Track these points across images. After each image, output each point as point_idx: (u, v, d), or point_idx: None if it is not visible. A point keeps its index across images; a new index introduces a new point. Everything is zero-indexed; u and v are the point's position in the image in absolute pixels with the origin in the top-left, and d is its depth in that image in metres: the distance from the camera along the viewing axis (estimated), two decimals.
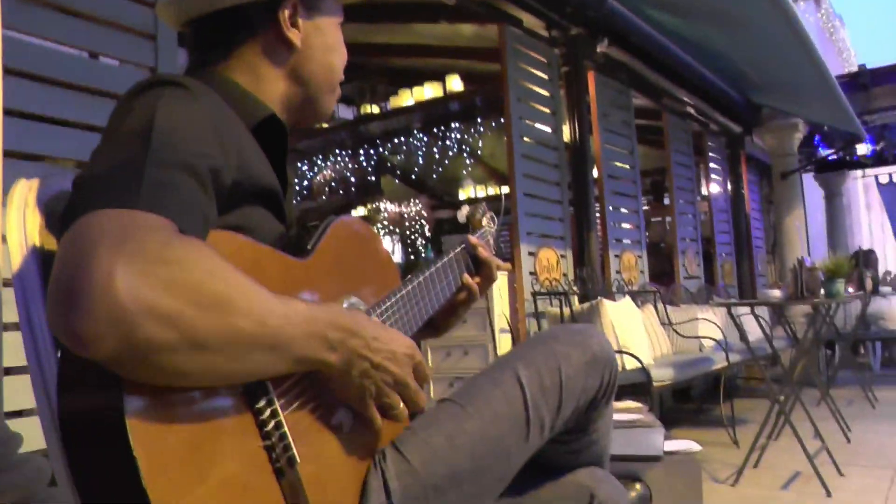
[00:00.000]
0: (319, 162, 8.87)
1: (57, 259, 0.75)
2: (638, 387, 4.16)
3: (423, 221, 8.75)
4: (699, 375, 4.97)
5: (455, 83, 7.29)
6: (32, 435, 1.92)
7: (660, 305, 5.94)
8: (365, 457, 1.06)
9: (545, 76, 5.54)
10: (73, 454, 0.75)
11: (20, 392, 2.02)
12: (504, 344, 4.58)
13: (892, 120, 10.16)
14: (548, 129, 5.51)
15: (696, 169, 8.52)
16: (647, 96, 7.07)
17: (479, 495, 1.14)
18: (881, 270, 9.42)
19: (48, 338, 0.95)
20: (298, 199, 8.99)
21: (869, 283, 7.13)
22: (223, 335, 0.77)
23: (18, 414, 2.04)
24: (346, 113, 8.16)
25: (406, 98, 7.55)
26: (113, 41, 2.64)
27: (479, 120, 7.67)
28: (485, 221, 1.61)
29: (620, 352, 4.37)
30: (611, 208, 6.21)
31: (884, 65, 9.81)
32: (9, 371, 2.04)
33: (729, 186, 9.06)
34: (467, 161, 8.42)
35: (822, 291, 4.41)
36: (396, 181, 9.21)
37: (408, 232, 8.78)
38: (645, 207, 8.32)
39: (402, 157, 8.62)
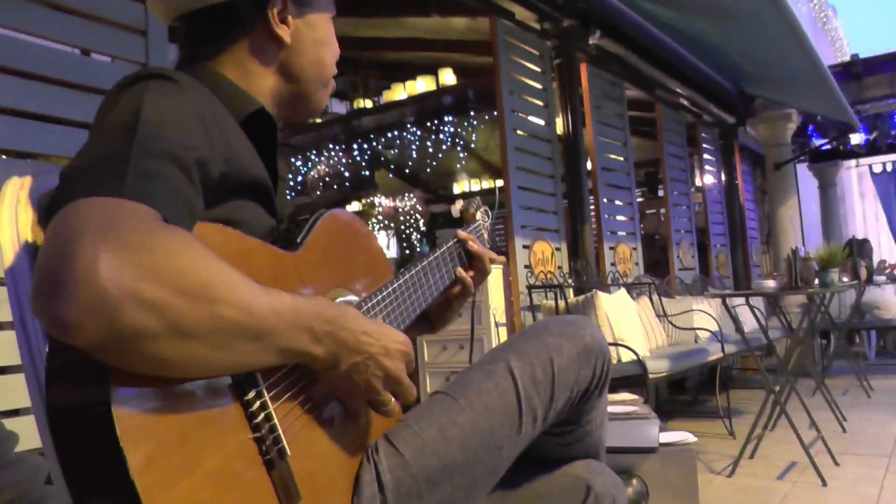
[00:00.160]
0: (313, 157, 8.85)
1: (41, 247, 0.74)
2: (633, 379, 4.17)
3: (417, 215, 8.75)
4: (694, 367, 4.98)
5: (448, 76, 7.28)
6: (28, 434, 1.92)
7: (655, 297, 5.95)
8: (357, 450, 1.06)
9: (537, 68, 5.53)
10: (61, 447, 0.74)
11: (15, 391, 2.02)
12: (499, 337, 4.58)
13: (885, 109, 10.18)
14: (541, 122, 5.51)
15: (690, 160, 8.53)
16: (640, 88, 7.07)
17: (472, 487, 1.14)
18: (875, 259, 9.45)
19: (42, 335, 0.95)
20: (292, 194, 8.98)
21: (863, 273, 7.15)
22: (207, 323, 0.76)
23: (14, 413, 2.04)
24: (339, 108, 8.15)
25: (399, 92, 7.54)
26: (104, 38, 2.63)
27: (472, 113, 7.66)
28: (479, 215, 1.61)
29: (616, 344, 4.38)
30: (605, 200, 6.21)
31: (876, 54, 9.82)
32: (4, 370, 2.04)
33: (723, 177, 9.06)
34: (461, 154, 8.41)
35: (817, 281, 4.42)
36: (390, 175, 9.20)
37: (402, 226, 8.78)
38: (639, 199, 8.32)
39: (396, 151, 8.62)
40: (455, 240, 1.46)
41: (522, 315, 4.83)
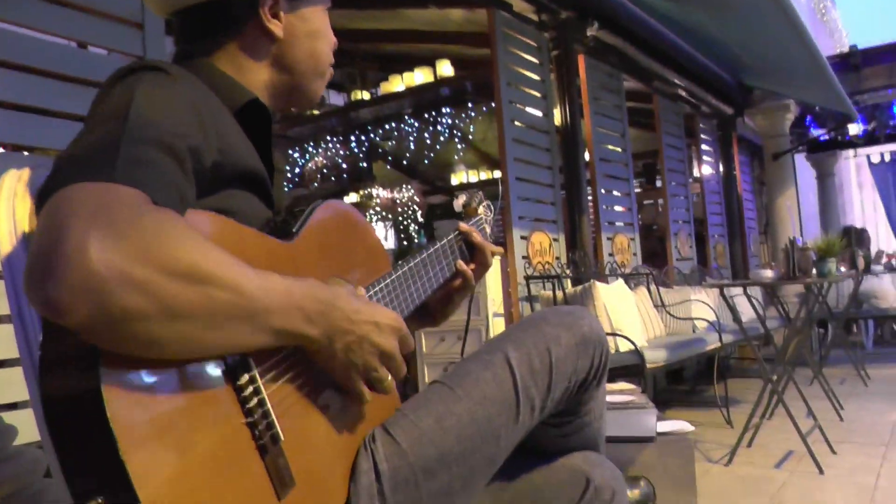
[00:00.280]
0: (311, 149, 8.84)
1: (35, 232, 0.76)
2: (631, 368, 4.18)
3: (415, 207, 8.74)
4: (692, 356, 4.99)
5: (445, 68, 7.27)
6: (27, 427, 1.92)
7: (653, 287, 5.96)
8: (354, 438, 1.06)
9: (535, 60, 5.53)
10: (55, 433, 0.74)
11: (13, 384, 2.02)
12: (497, 328, 4.59)
13: (883, 100, 10.18)
14: (539, 113, 5.51)
15: (688, 151, 8.53)
16: (638, 79, 7.07)
17: (469, 477, 1.14)
18: (873, 249, 9.46)
19: (39, 327, 0.95)
20: (290, 186, 8.97)
21: (861, 262, 7.16)
22: (197, 304, 0.77)
23: (13, 406, 2.04)
24: (336, 99, 8.15)
25: (396, 84, 7.53)
26: (101, 30, 2.62)
27: (469, 105, 7.66)
28: (481, 210, 1.61)
29: (614, 334, 4.39)
30: (603, 191, 6.21)
31: (875, 45, 9.82)
32: (2, 364, 2.04)
33: (721, 168, 9.07)
34: (459, 146, 8.41)
35: (814, 271, 4.42)
36: (388, 167, 9.18)
37: (400, 218, 8.77)
38: (637, 190, 8.33)
39: (394, 142, 8.60)
40: (456, 232, 1.46)
41: (520, 306, 4.84)
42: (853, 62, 9.77)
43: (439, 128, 7.92)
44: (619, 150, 6.62)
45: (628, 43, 6.32)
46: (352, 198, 9.05)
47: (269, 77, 1.22)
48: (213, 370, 0.85)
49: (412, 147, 8.30)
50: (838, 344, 7.13)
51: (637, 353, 4.20)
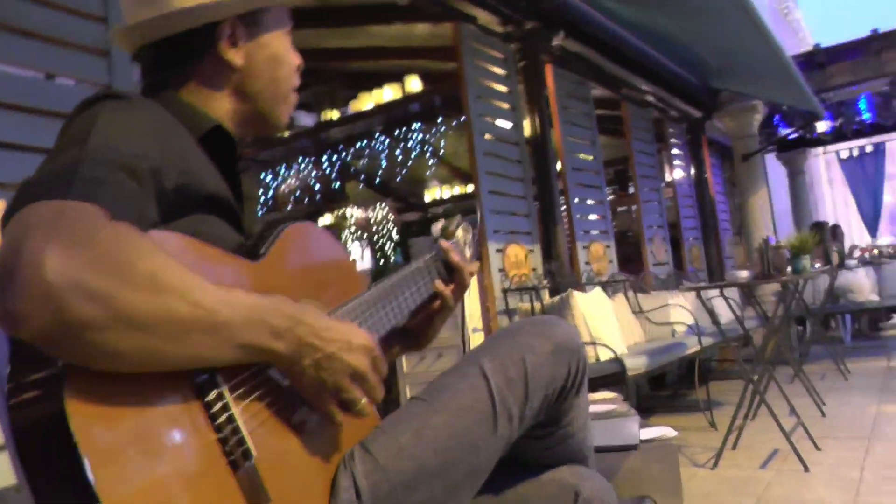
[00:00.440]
0: (283, 171, 8.80)
1: None
2: (612, 377, 4.18)
3: (390, 225, 8.72)
4: (673, 361, 5.00)
5: (414, 84, 7.27)
6: (3, 471, 1.88)
7: (630, 294, 5.98)
8: (331, 456, 1.06)
9: (502, 72, 5.54)
10: (23, 453, 0.74)
11: None
12: (476, 343, 4.57)
13: (848, 96, 10.30)
14: (508, 125, 5.52)
15: (659, 156, 8.58)
16: (606, 87, 7.10)
17: (452, 490, 1.13)
18: (847, 244, 9.56)
19: (5, 359, 0.94)
20: (264, 210, 8.92)
21: (835, 258, 7.24)
22: (154, 314, 0.78)
23: None
24: (306, 120, 8.10)
25: (366, 101, 7.51)
26: (68, 60, 2.61)
27: (439, 119, 7.65)
28: (459, 232, 1.60)
29: (593, 342, 4.39)
30: (576, 200, 6.23)
31: (838, 43, 9.94)
32: None
33: (692, 171, 9.13)
34: (430, 161, 8.39)
35: (789, 269, 4.46)
36: (361, 186, 9.15)
37: (376, 236, 8.74)
38: (610, 197, 8.37)
39: (366, 161, 8.58)
40: (433, 253, 1.45)
41: (499, 319, 4.83)
42: (818, 60, 9.87)
43: (410, 144, 7.90)
44: (590, 158, 6.64)
45: (595, 51, 6.35)
46: (326, 218, 9.01)
47: (232, 105, 1.23)
48: (180, 386, 0.84)
49: (384, 165, 8.27)
50: (817, 340, 7.19)
51: (617, 360, 4.20)
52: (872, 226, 13.96)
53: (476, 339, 4.53)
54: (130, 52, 1.24)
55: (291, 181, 8.97)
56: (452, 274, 1.46)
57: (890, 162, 14.62)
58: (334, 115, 7.85)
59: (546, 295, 4.98)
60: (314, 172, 8.76)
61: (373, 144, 8.08)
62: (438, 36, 6.22)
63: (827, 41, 9.97)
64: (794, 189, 12.44)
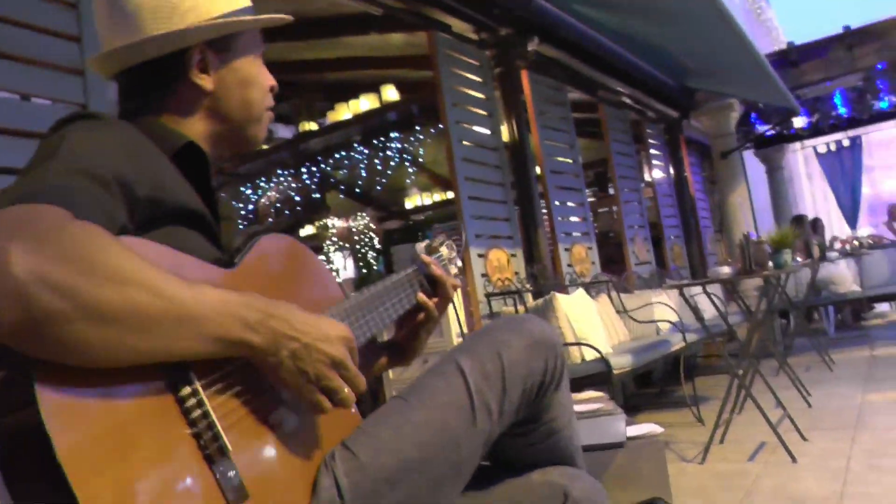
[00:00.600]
0: (263, 184, 8.80)
1: None
2: (598, 376, 4.19)
3: (371, 234, 8.72)
4: (658, 359, 5.02)
5: (391, 93, 7.29)
6: None
7: (613, 294, 5.99)
8: (312, 457, 1.06)
9: (479, 79, 5.56)
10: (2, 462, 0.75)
11: None
12: None
13: (823, 92, 10.39)
14: (486, 131, 5.54)
15: (638, 156, 8.63)
16: (583, 90, 7.14)
17: (434, 485, 1.14)
18: (828, 237, 9.62)
19: None
20: (245, 223, 8.91)
21: (816, 251, 7.29)
22: (118, 306, 0.79)
23: None
24: (284, 132, 8.12)
25: (343, 112, 7.53)
26: (43, 81, 2.60)
27: (417, 128, 7.67)
28: (443, 249, 1.61)
29: (578, 343, 4.40)
30: (557, 203, 6.24)
31: (810, 41, 10.03)
32: None
33: (671, 171, 9.18)
34: (410, 170, 8.41)
35: (771, 263, 4.48)
36: (341, 196, 9.16)
37: (358, 246, 8.74)
38: (590, 199, 8.40)
39: (345, 171, 8.59)
40: (416, 266, 1.46)
41: (483, 324, 4.84)
42: (791, 58, 9.96)
43: (389, 153, 7.92)
44: (569, 161, 6.66)
45: (570, 55, 6.39)
46: (307, 230, 9.01)
47: (206, 127, 1.25)
48: (153, 381, 0.85)
49: (364, 174, 8.29)
50: (801, 332, 7.23)
51: (603, 360, 4.21)
52: (852, 218, 14.07)
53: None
54: (108, 77, 1.27)
55: (272, 193, 8.97)
56: (435, 287, 1.48)
57: (867, 155, 14.75)
58: (312, 126, 7.86)
59: (529, 298, 4.99)
60: (294, 184, 8.77)
61: (352, 154, 8.10)
62: (414, 45, 6.25)
63: (800, 40, 10.06)
64: (774, 185, 12.52)
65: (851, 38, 9.61)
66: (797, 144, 13.31)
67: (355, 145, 8.01)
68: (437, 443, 1.14)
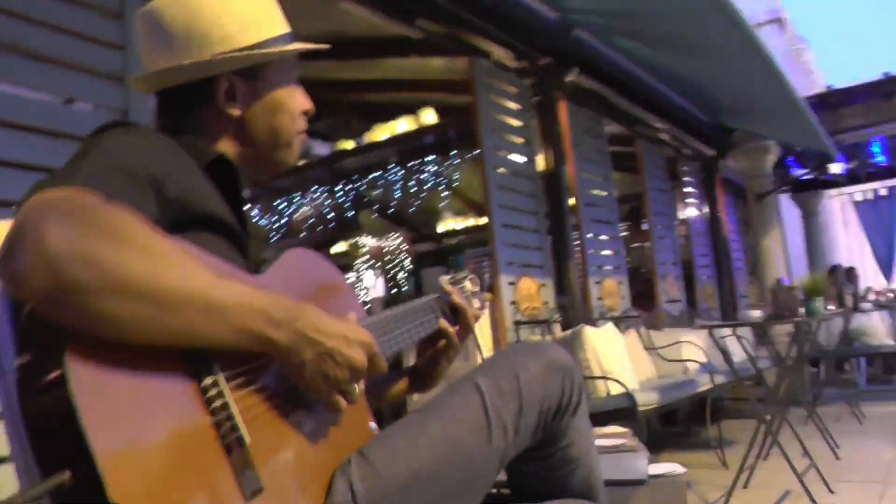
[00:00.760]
0: (297, 199, 8.87)
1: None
2: (623, 412, 4.14)
3: (403, 255, 8.74)
4: (684, 398, 4.95)
5: (428, 116, 7.32)
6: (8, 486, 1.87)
7: (643, 330, 5.94)
8: (328, 460, 1.08)
9: (517, 106, 5.57)
10: (25, 418, 0.79)
11: None
12: None
13: (862, 139, 10.30)
14: (522, 159, 5.54)
15: (672, 193, 8.58)
16: (620, 123, 7.12)
17: (445, 499, 1.15)
18: (862, 287, 9.49)
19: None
20: (277, 237, 8.97)
21: (849, 300, 7.18)
22: (147, 284, 0.82)
23: None
24: (321, 149, 8.17)
25: (380, 133, 7.57)
26: (86, 86, 2.66)
27: (453, 152, 7.70)
28: (467, 284, 1.64)
29: (605, 377, 4.36)
30: (589, 235, 6.21)
31: (851, 84, 9.96)
32: None
33: (705, 209, 9.12)
34: (444, 193, 8.43)
35: (802, 310, 4.42)
36: (375, 216, 9.20)
37: (389, 266, 8.77)
38: (624, 233, 8.35)
39: (380, 191, 8.63)
40: (439, 295, 1.49)
41: None
42: (831, 102, 9.89)
43: (424, 176, 7.95)
44: (603, 193, 6.64)
45: (608, 87, 6.39)
46: (339, 247, 9.05)
47: (234, 149, 1.28)
48: (177, 368, 0.88)
49: (398, 195, 8.32)
50: (831, 382, 7.12)
51: (628, 395, 4.16)
52: (887, 269, 13.89)
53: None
54: (149, 92, 1.32)
55: (306, 209, 9.03)
56: (457, 316, 1.50)
57: None
58: (349, 145, 7.91)
59: (557, 328, 4.95)
60: (328, 201, 8.82)
61: (387, 175, 8.14)
62: (453, 70, 6.26)
63: (838, 83, 10.00)
64: (809, 230, 12.40)
65: (891, 86, 9.53)
66: (834, 191, 13.20)
67: (391, 166, 8.05)
68: (452, 456, 1.15)
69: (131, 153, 1.02)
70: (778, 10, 14.83)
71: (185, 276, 0.86)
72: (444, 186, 8.30)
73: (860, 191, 13.29)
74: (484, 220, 5.67)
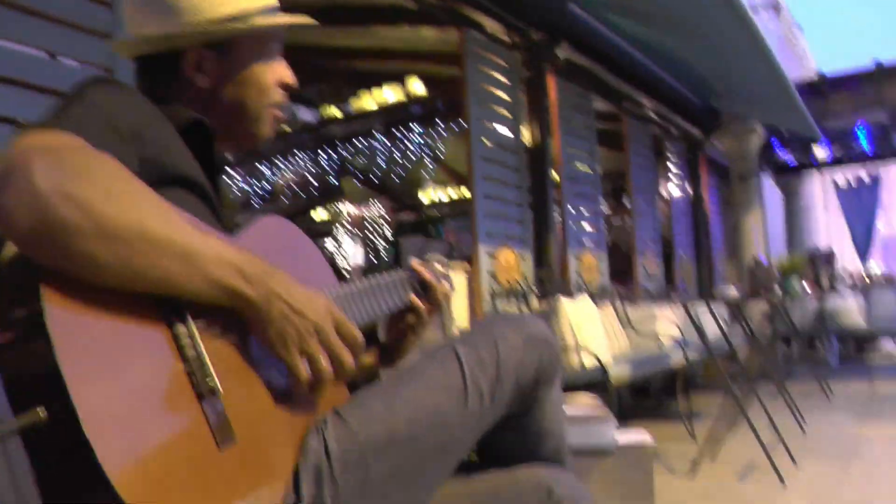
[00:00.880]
0: (280, 164, 8.82)
1: None
2: (596, 384, 4.20)
3: (384, 223, 8.73)
4: (657, 372, 5.02)
5: (416, 86, 7.31)
6: None
7: (618, 304, 6.00)
8: (301, 419, 1.07)
9: (505, 80, 5.58)
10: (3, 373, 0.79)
11: None
12: None
13: (848, 125, 10.36)
14: (508, 132, 5.56)
15: (656, 171, 8.62)
16: (608, 100, 7.14)
17: (420, 462, 1.15)
18: (839, 270, 9.59)
19: None
20: (260, 201, 8.93)
21: (826, 282, 7.28)
22: (130, 227, 0.84)
23: None
24: (307, 115, 8.14)
25: (367, 101, 7.55)
26: (71, 41, 2.64)
27: (439, 123, 7.68)
28: (437, 265, 1.62)
29: (578, 349, 4.41)
30: (571, 210, 6.26)
31: (840, 73, 10.00)
32: None
33: (688, 189, 9.17)
34: (428, 164, 8.41)
35: (778, 289, 4.50)
36: (358, 183, 9.17)
37: (369, 234, 8.75)
38: (605, 209, 8.39)
39: (364, 159, 8.59)
40: (409, 270, 1.48)
41: None
42: (820, 89, 9.94)
43: (409, 145, 7.93)
44: (587, 169, 6.67)
45: (599, 64, 6.41)
46: (321, 213, 9.01)
47: (210, 119, 1.27)
48: (151, 315, 0.88)
49: (382, 164, 8.29)
50: (803, 360, 7.22)
51: (602, 368, 4.22)
52: (864, 254, 14.01)
53: None
54: (128, 58, 1.32)
55: (289, 174, 8.99)
56: (427, 292, 1.50)
57: (885, 192, 14.68)
58: (335, 112, 7.88)
59: (535, 301, 5.01)
60: (312, 167, 8.78)
61: (372, 143, 8.11)
62: (444, 41, 6.25)
63: (830, 70, 10.04)
64: (789, 212, 12.49)
65: (881, 75, 9.59)
66: (816, 175, 13.27)
67: (376, 134, 8.02)
68: (428, 421, 1.15)
69: (114, 107, 1.03)
70: None
71: (166, 223, 0.88)
72: (428, 157, 8.28)
73: (843, 176, 13.36)
74: (466, 193, 5.70)
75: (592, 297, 5.42)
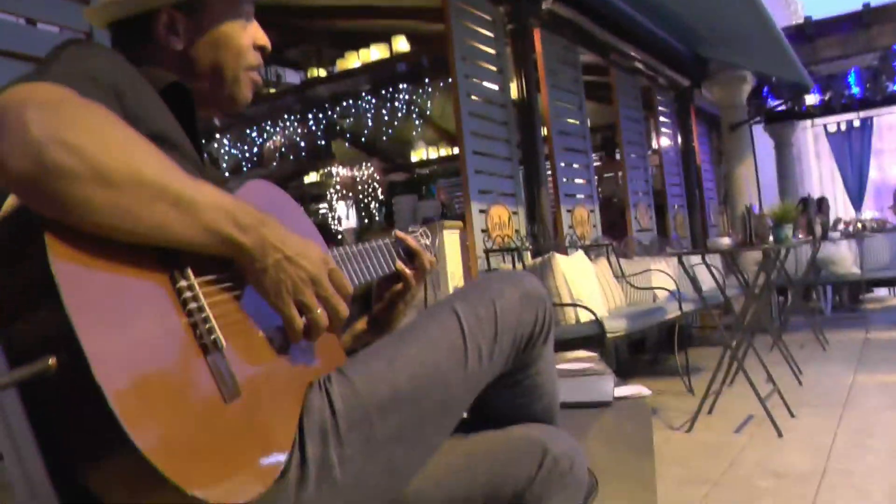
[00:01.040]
0: (268, 128, 8.74)
1: None
2: (592, 339, 4.19)
3: (375, 184, 8.68)
4: (653, 325, 5.02)
5: (401, 44, 7.21)
6: None
7: (613, 258, 5.98)
8: (304, 373, 1.08)
9: (490, 34, 5.50)
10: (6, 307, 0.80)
11: None
12: None
13: (838, 70, 10.29)
14: (495, 87, 5.50)
15: (646, 123, 8.57)
16: (595, 52, 7.06)
17: (421, 422, 1.15)
18: (832, 217, 9.60)
19: None
20: (248, 166, 8.86)
21: (818, 229, 7.26)
22: (125, 173, 0.83)
23: None
24: (293, 77, 8.04)
25: (353, 60, 7.45)
26: (49, 7, 2.62)
27: (426, 80, 7.60)
28: (420, 237, 1.63)
29: (574, 304, 4.40)
30: (562, 164, 6.21)
31: (829, 16, 9.91)
32: None
33: (679, 139, 9.12)
34: (417, 122, 8.34)
35: (771, 238, 4.47)
36: (347, 145, 9.09)
37: (361, 196, 8.70)
38: (596, 163, 8.35)
39: (352, 120, 8.51)
40: (393, 239, 1.49)
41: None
42: (808, 33, 9.85)
43: (397, 104, 7.84)
44: (576, 123, 6.62)
45: (584, 16, 6.32)
46: (311, 177, 8.96)
47: (187, 82, 1.26)
48: (153, 266, 0.89)
49: (370, 124, 8.21)
50: (797, 310, 7.24)
51: (597, 322, 4.21)
52: (857, 200, 14.01)
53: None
54: (102, 27, 1.31)
55: (277, 138, 8.91)
56: (413, 259, 1.50)
57: (877, 137, 14.65)
58: (321, 73, 7.78)
59: (528, 257, 4.98)
60: (300, 130, 8.70)
61: (359, 104, 8.02)
62: None
63: (819, 14, 9.94)
64: (781, 161, 12.46)
65: (870, 17, 9.49)
66: (807, 122, 13.23)
67: (363, 95, 7.93)
68: (428, 379, 1.16)
69: (93, 65, 1.03)
70: None
71: (161, 169, 0.88)
72: (416, 115, 8.21)
73: (834, 122, 13.31)
74: (456, 151, 5.64)
75: (586, 251, 5.39)
